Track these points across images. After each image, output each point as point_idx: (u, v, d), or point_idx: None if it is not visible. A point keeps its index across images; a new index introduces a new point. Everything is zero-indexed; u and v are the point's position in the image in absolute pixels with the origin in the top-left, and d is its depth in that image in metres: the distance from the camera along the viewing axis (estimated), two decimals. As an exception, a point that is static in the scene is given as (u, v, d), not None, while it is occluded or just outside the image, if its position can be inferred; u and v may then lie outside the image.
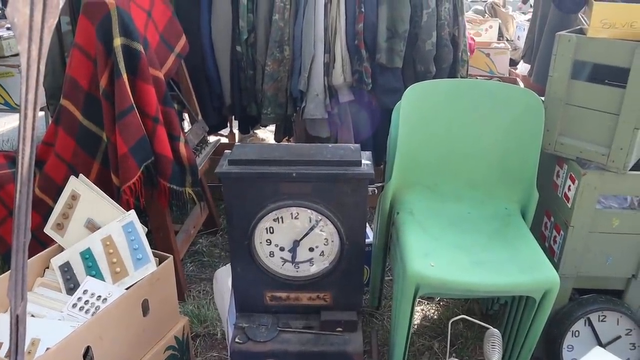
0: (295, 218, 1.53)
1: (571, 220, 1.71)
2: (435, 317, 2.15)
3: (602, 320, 1.83)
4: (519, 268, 1.49)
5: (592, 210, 1.70)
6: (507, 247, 1.59)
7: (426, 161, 1.78)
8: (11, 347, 0.83)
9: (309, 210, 1.51)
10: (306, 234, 1.55)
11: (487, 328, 1.24)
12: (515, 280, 1.45)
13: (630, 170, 1.68)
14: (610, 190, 1.71)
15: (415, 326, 2.09)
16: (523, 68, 4.11)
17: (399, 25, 2.40)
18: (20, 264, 0.76)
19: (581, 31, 1.74)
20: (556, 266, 1.79)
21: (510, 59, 4.27)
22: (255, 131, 3.97)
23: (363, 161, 1.49)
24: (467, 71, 2.72)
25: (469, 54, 2.80)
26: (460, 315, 1.23)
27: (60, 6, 0.73)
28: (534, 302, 1.50)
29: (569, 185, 1.74)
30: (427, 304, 2.21)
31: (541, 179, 1.90)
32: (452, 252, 1.56)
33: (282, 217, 1.53)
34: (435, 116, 1.77)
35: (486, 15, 5.69)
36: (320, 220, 1.52)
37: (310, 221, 1.53)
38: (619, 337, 1.84)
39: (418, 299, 2.06)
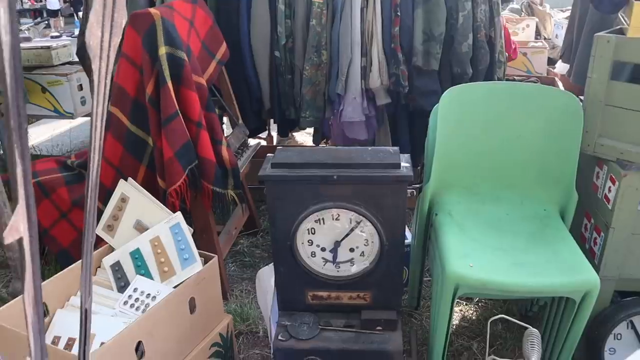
0: (336, 219, 1.57)
1: (612, 222, 1.70)
2: (473, 317, 2.16)
3: (644, 323, 1.82)
4: (559, 269, 1.50)
5: (633, 212, 1.69)
6: (547, 249, 1.59)
7: (464, 163, 1.80)
8: (80, 338, 0.90)
9: (349, 212, 1.55)
10: (347, 235, 1.59)
11: (526, 328, 1.26)
12: (555, 281, 1.46)
13: (673, 171, 1.66)
14: (653, 191, 1.69)
15: (454, 326, 2.11)
16: (562, 67, 4.06)
17: (434, 28, 2.42)
18: (89, 263, 0.82)
19: (620, 31, 1.74)
20: (597, 268, 1.78)
21: (548, 58, 4.21)
22: (293, 134, 4.04)
23: (402, 164, 1.52)
24: (504, 72, 2.72)
25: (505, 55, 2.79)
26: (499, 315, 1.25)
27: (123, 27, 0.79)
28: (574, 303, 1.51)
29: (609, 187, 1.73)
30: (466, 304, 2.23)
31: (580, 180, 1.89)
32: (491, 253, 1.58)
33: (323, 219, 1.57)
34: (473, 118, 1.78)
35: (523, 13, 5.63)
36: (361, 221, 1.56)
37: (350, 222, 1.57)
38: (663, 340, 1.82)
39: (458, 300, 2.08)
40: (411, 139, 2.73)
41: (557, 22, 5.07)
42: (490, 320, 1.32)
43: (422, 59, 2.45)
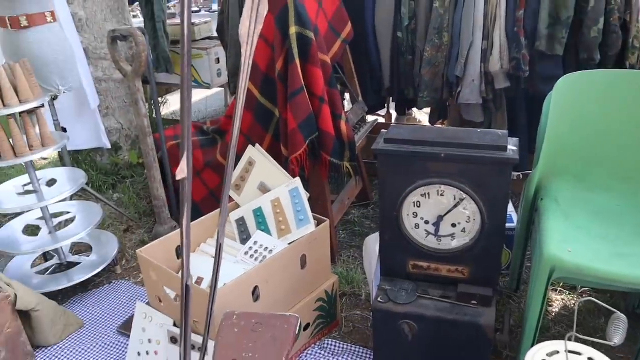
0: (441, 195, 1.67)
1: None
2: (574, 307, 2.15)
3: None
4: (664, 264, 1.48)
5: None
6: (655, 242, 1.57)
7: (576, 150, 1.80)
8: (213, 272, 1.11)
9: (454, 189, 1.64)
10: (450, 211, 1.68)
11: (615, 312, 1.29)
12: (658, 274, 1.45)
13: None
14: None
15: (554, 314, 2.12)
16: None
17: (562, 12, 2.37)
18: (226, 209, 1.02)
19: None
20: None
21: None
22: (414, 114, 4.12)
23: (509, 147, 1.58)
24: (639, 59, 2.58)
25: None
26: (588, 297, 1.29)
27: (265, 15, 0.97)
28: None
29: None
30: (569, 293, 2.22)
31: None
32: (593, 241, 1.59)
33: (429, 193, 1.68)
34: (589, 107, 1.77)
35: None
36: (464, 199, 1.64)
37: (454, 199, 1.66)
38: None
39: (560, 289, 2.09)
40: (529, 125, 2.70)
41: None
42: (578, 301, 1.36)
43: (545, 43, 2.42)
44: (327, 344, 2.05)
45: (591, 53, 2.44)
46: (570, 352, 1.26)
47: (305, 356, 2.00)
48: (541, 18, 2.42)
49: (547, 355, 1.26)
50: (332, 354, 2.01)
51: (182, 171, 0.77)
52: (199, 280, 1.86)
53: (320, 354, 2.01)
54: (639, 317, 2.03)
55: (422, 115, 4.09)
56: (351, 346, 2.04)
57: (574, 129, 1.79)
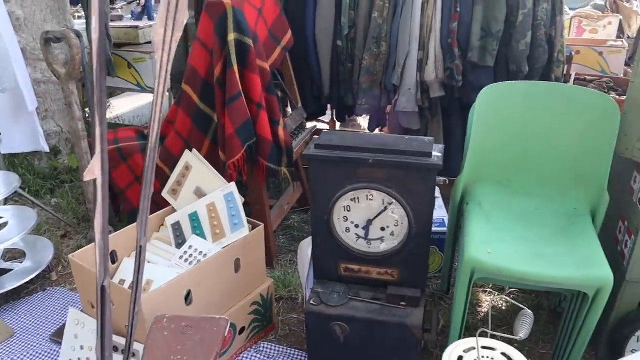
0: (370, 199, 1.72)
1: (642, 225, 1.75)
2: (503, 308, 2.25)
3: (671, 329, 1.84)
4: (575, 263, 1.58)
5: (665, 217, 1.72)
6: (569, 244, 1.67)
7: (498, 157, 1.89)
8: (134, 271, 1.12)
9: (382, 194, 1.70)
10: (379, 215, 1.74)
11: (523, 309, 1.37)
12: (569, 274, 1.54)
13: None
14: (686, 198, 1.72)
15: (482, 314, 2.21)
16: None
17: (493, 26, 2.49)
18: (146, 208, 1.03)
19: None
20: (624, 270, 1.83)
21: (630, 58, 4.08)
22: (358, 121, 4.19)
23: (434, 153, 1.65)
24: (563, 72, 2.73)
25: (566, 54, 2.80)
26: (503, 296, 1.36)
27: (184, 23, 0.99)
28: (589, 299, 1.58)
29: (643, 191, 1.77)
30: (498, 294, 2.31)
31: (618, 182, 1.93)
32: (513, 243, 1.68)
33: (358, 198, 1.73)
34: (511, 116, 1.87)
35: (606, 10, 5.44)
36: (392, 203, 1.70)
37: (383, 203, 1.72)
38: (687, 347, 1.84)
39: (489, 290, 2.18)
40: (463, 132, 2.80)
41: (644, 20, 4.87)
42: (492, 300, 1.44)
43: (477, 55, 2.53)
44: (263, 347, 2.07)
45: (520, 65, 2.56)
46: (485, 347, 1.33)
47: (241, 359, 2.02)
48: (473, 31, 2.53)
49: (464, 351, 1.33)
50: (268, 357, 2.03)
51: (92, 172, 0.78)
52: (149, 282, 1.85)
53: (256, 357, 2.03)
54: (559, 315, 2.14)
55: (366, 122, 4.17)
56: (287, 349, 2.07)
57: (497, 137, 1.89)
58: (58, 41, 2.22)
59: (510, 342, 1.42)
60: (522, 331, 1.29)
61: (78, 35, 2.22)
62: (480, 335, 1.22)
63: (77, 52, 2.15)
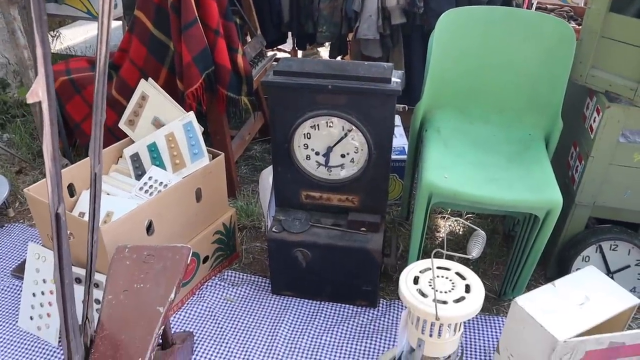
0: (330, 126, 1.72)
1: (592, 150, 1.80)
2: (460, 233, 2.33)
3: (613, 249, 1.95)
4: (527, 187, 1.64)
5: (613, 143, 1.78)
6: (522, 168, 1.72)
7: (457, 84, 1.90)
8: (90, 199, 1.11)
9: (342, 120, 1.70)
10: (339, 141, 1.75)
11: (476, 230, 1.42)
12: (521, 197, 1.60)
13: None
14: (634, 125, 1.77)
15: (440, 239, 2.29)
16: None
17: (455, -50, 2.43)
18: (98, 135, 1.01)
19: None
20: (574, 194, 1.91)
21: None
22: (318, 49, 4.11)
23: (393, 79, 1.64)
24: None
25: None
26: (458, 219, 1.41)
27: None
28: (539, 221, 1.66)
29: (595, 118, 1.82)
30: (455, 220, 2.39)
31: (572, 110, 1.98)
32: (469, 168, 1.72)
33: (318, 125, 1.73)
34: (469, 43, 1.86)
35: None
36: (352, 129, 1.71)
37: (342, 130, 1.72)
38: (627, 267, 1.96)
39: (448, 216, 2.25)
40: (424, 61, 2.79)
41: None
42: (447, 223, 1.49)
43: (439, -19, 2.48)
44: (227, 275, 2.11)
45: (481, -9, 2.53)
46: (440, 267, 1.38)
47: (206, 287, 2.05)
48: (435, -45, 2.46)
49: (420, 272, 1.38)
50: (232, 284, 2.07)
51: (35, 94, 0.75)
52: (109, 215, 1.83)
53: (220, 285, 2.07)
54: (512, 238, 2.23)
55: (327, 53, 4.10)
56: (250, 276, 2.11)
57: (456, 63, 1.89)
58: (-4, -38, 2.07)
59: (466, 263, 1.48)
60: (475, 250, 1.35)
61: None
62: (435, 256, 1.27)
63: (17, -26, 2.02)
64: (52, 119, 0.82)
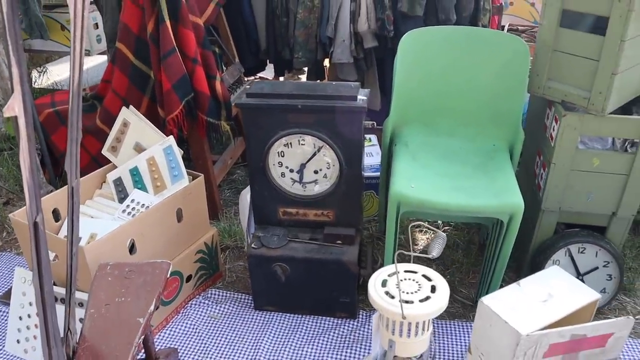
0: (302, 144, 1.81)
1: (553, 158, 1.89)
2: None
3: (581, 252, 2.02)
4: (491, 194, 1.72)
5: (572, 150, 1.87)
6: (486, 177, 1.81)
7: (423, 101, 2.00)
8: (68, 212, 1.17)
9: (313, 138, 1.79)
10: (311, 158, 1.83)
11: (436, 232, 1.50)
12: (484, 203, 1.69)
13: (612, 113, 1.84)
14: (590, 131, 1.86)
15: (418, 251, 2.36)
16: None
17: (420, -24, 2.56)
18: (74, 152, 1.08)
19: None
20: (540, 201, 1.99)
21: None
22: (300, 76, 4.22)
23: (359, 96, 1.74)
24: (489, 20, 2.85)
25: (497, 5, 2.92)
26: (419, 222, 1.48)
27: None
28: (504, 225, 1.74)
29: (554, 126, 1.92)
30: (433, 233, 2.47)
31: (536, 121, 2.08)
32: (436, 178, 1.81)
33: (290, 143, 1.81)
34: (432, 60, 1.97)
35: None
36: (323, 146, 1.80)
37: (314, 147, 1.81)
38: (596, 268, 2.03)
39: (425, 229, 2.32)
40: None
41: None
42: (411, 225, 1.57)
43: (407, 5, 2.60)
44: (211, 293, 2.17)
45: (447, 14, 2.66)
46: (408, 271, 1.46)
47: (190, 306, 2.10)
48: (402, -19, 2.60)
49: (388, 275, 1.45)
50: (216, 302, 2.12)
51: (12, 108, 0.82)
52: (93, 236, 1.89)
53: (204, 303, 2.12)
54: (486, 248, 2.31)
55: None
56: (233, 294, 2.17)
57: (420, 81, 1.99)
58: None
59: (430, 264, 1.55)
60: (435, 250, 1.42)
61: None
62: (399, 257, 1.34)
63: None
64: (30, 135, 0.90)
